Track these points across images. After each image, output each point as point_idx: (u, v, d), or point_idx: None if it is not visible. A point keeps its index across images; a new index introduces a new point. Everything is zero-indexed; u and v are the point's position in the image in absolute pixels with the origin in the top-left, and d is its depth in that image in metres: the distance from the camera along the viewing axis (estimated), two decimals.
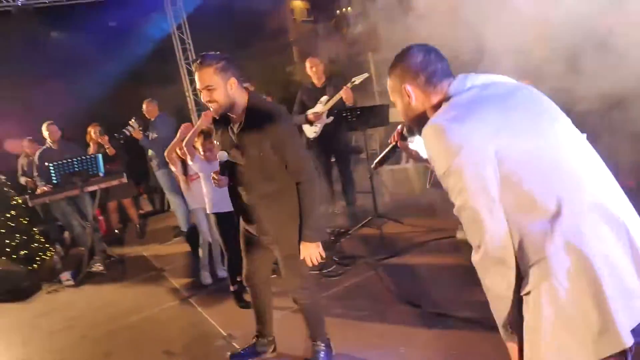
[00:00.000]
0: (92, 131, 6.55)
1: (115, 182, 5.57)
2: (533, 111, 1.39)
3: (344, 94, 4.92)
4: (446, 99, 1.45)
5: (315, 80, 5.24)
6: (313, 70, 5.19)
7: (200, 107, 9.27)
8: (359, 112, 4.64)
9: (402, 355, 2.74)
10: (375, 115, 4.72)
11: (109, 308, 4.40)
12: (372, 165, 2.03)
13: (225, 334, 3.40)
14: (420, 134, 1.46)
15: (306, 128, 5.29)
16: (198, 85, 2.38)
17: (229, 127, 2.53)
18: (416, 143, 1.78)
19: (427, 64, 1.49)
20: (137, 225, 6.91)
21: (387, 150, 1.88)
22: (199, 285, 4.38)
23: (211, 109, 2.42)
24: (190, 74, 8.90)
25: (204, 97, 2.38)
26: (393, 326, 3.08)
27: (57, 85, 7.76)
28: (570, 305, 1.21)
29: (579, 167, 1.33)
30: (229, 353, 3.04)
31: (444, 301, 3.20)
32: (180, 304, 4.17)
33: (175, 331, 3.64)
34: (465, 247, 3.68)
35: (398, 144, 1.82)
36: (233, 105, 2.39)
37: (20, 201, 6.34)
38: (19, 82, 7.74)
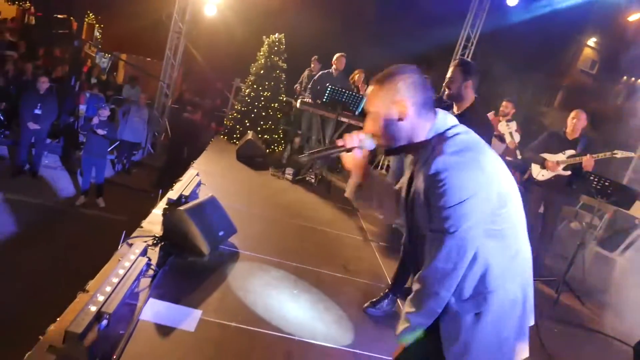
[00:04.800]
0: (357, 75, 7.44)
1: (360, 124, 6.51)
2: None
3: (586, 161, 4.68)
4: (436, 130, 1.51)
5: (569, 131, 5.06)
6: (573, 122, 5.02)
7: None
8: (607, 183, 4.53)
9: None
10: (622, 195, 4.57)
11: (312, 212, 5.34)
12: (303, 155, 1.75)
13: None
14: (388, 153, 1.60)
15: (534, 166, 5.30)
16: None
17: None
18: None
19: (425, 88, 1.50)
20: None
21: (331, 149, 1.66)
22: (379, 232, 5.02)
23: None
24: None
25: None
26: None
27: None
28: None
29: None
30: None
31: None
32: (364, 241, 4.87)
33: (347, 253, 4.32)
34: None
35: (349, 150, 1.66)
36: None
37: (284, 99, 7.76)
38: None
